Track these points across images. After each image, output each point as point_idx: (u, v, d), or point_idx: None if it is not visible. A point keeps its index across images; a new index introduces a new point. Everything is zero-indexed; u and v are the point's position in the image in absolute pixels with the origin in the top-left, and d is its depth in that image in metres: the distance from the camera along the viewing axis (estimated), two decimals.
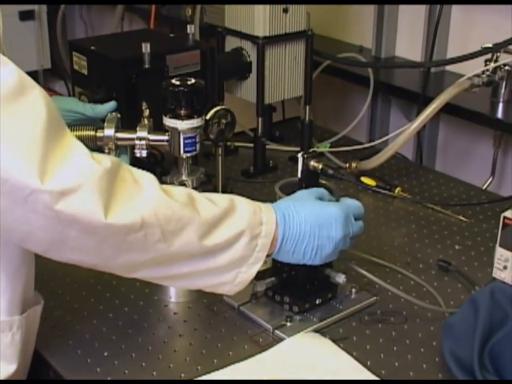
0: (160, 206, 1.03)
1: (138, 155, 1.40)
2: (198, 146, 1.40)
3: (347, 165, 1.88)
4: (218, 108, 1.45)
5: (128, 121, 1.46)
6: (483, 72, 1.79)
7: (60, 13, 3.02)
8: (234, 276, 1.14)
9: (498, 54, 1.80)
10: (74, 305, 1.37)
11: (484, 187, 1.94)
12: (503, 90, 1.89)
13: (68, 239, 0.99)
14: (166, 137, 1.38)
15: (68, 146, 0.98)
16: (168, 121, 1.36)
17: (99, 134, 1.39)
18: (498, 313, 1.18)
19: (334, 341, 1.27)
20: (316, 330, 1.30)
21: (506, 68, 1.84)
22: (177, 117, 1.36)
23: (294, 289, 1.34)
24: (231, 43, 1.86)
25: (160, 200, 1.04)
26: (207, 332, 1.31)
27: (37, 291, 1.21)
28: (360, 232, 1.26)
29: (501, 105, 1.90)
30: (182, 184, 1.40)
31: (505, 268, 1.41)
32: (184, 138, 1.37)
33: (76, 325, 1.32)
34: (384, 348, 1.27)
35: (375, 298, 1.39)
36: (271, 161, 1.93)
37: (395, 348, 1.27)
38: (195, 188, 1.40)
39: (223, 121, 1.46)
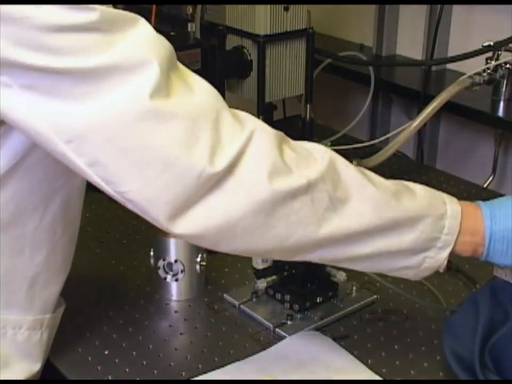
0: (328, 172, 0.97)
1: None
2: None
3: None
4: None
5: None
6: (484, 71, 1.78)
7: None
8: (420, 260, 1.05)
9: (499, 52, 1.80)
10: (75, 304, 1.37)
11: (485, 186, 1.94)
12: (504, 89, 1.88)
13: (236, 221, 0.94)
14: None
15: (236, 114, 0.98)
16: None
17: None
18: (499, 312, 1.18)
19: (334, 339, 1.27)
20: (317, 329, 1.30)
21: (508, 66, 1.83)
22: None
23: (294, 288, 1.34)
24: (231, 41, 1.86)
25: (328, 166, 0.98)
26: (208, 330, 1.31)
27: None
28: None
29: (502, 103, 1.90)
30: None
31: (506, 266, 1.41)
32: None
33: (76, 323, 1.32)
34: (385, 347, 1.27)
35: (375, 296, 1.39)
36: None
37: (396, 347, 1.27)
38: None
39: None
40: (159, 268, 1.36)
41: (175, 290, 1.39)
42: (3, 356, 1.11)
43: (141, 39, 0.91)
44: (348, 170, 1.01)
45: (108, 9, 0.89)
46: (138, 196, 0.93)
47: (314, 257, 1.02)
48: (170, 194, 0.92)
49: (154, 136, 0.90)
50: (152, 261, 1.37)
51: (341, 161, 1.02)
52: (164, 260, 1.36)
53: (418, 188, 1.06)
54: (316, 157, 1.00)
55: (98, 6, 0.88)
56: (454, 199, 1.08)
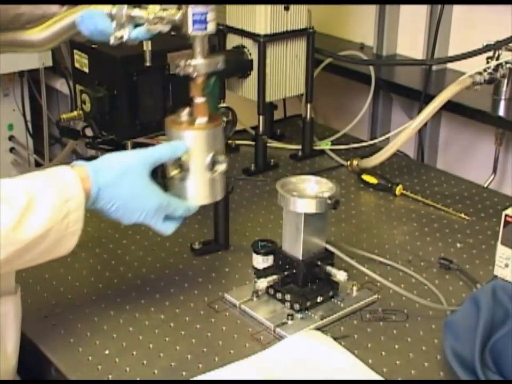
0: None
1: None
2: (210, 26, 1.26)
3: (348, 163, 1.88)
4: (219, 106, 1.45)
5: (129, 119, 1.46)
6: (485, 70, 1.78)
7: None
8: (61, 251, 1.15)
9: (500, 51, 1.80)
10: (76, 303, 1.37)
11: (486, 185, 1.94)
12: (504, 88, 1.89)
13: None
14: (178, 16, 1.25)
15: None
16: None
17: (113, 10, 1.28)
18: (500, 311, 1.18)
19: (335, 339, 1.27)
20: (317, 328, 1.30)
21: (508, 65, 1.83)
22: None
23: (295, 287, 1.34)
24: (232, 41, 1.86)
25: None
26: (209, 330, 1.31)
27: (17, 284, 1.23)
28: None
29: (502, 102, 1.90)
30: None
31: (506, 265, 1.41)
32: (194, 14, 1.24)
33: (77, 322, 1.32)
34: (385, 346, 1.27)
35: (376, 296, 1.39)
36: (272, 160, 1.92)
37: (396, 346, 1.27)
38: (210, 74, 1.30)
39: (225, 119, 1.45)
40: (167, 166, 1.27)
41: (183, 191, 1.29)
42: None
43: None
44: None
45: None
46: None
47: None
48: None
49: None
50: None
51: None
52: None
53: (46, 200, 1.10)
54: None
55: None
56: (79, 188, 1.14)
